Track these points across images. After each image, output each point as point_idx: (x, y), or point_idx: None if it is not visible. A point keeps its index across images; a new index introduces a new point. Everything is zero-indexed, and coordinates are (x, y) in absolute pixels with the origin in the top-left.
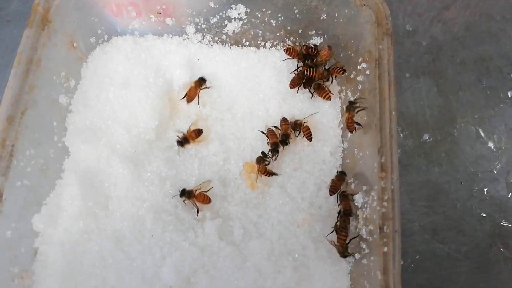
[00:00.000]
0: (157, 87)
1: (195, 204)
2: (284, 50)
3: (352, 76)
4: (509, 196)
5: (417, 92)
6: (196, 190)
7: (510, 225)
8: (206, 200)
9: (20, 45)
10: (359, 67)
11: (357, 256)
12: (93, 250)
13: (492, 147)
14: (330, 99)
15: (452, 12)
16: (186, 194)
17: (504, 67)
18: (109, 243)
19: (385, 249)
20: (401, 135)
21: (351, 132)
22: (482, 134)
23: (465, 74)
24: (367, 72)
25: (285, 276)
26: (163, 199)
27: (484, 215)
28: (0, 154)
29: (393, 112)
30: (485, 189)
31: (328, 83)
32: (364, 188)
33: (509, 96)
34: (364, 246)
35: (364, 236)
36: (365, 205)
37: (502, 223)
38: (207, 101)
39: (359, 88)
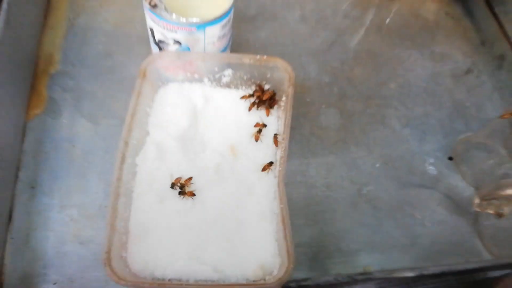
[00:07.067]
0: (183, 103)
1: None
2: (254, 92)
3: (281, 104)
4: None
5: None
6: None
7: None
8: None
9: None
10: (282, 99)
11: None
12: None
13: None
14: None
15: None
16: None
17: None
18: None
19: None
20: None
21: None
22: None
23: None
24: (283, 102)
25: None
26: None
27: None
28: None
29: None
30: None
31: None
32: None
33: None
34: None
35: None
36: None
37: None
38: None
39: (282, 109)
